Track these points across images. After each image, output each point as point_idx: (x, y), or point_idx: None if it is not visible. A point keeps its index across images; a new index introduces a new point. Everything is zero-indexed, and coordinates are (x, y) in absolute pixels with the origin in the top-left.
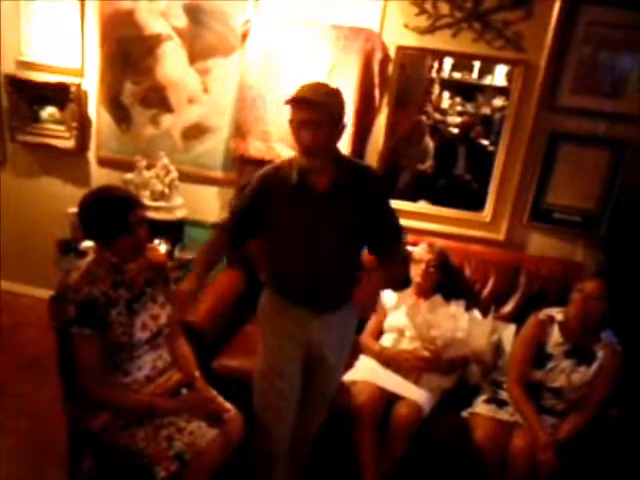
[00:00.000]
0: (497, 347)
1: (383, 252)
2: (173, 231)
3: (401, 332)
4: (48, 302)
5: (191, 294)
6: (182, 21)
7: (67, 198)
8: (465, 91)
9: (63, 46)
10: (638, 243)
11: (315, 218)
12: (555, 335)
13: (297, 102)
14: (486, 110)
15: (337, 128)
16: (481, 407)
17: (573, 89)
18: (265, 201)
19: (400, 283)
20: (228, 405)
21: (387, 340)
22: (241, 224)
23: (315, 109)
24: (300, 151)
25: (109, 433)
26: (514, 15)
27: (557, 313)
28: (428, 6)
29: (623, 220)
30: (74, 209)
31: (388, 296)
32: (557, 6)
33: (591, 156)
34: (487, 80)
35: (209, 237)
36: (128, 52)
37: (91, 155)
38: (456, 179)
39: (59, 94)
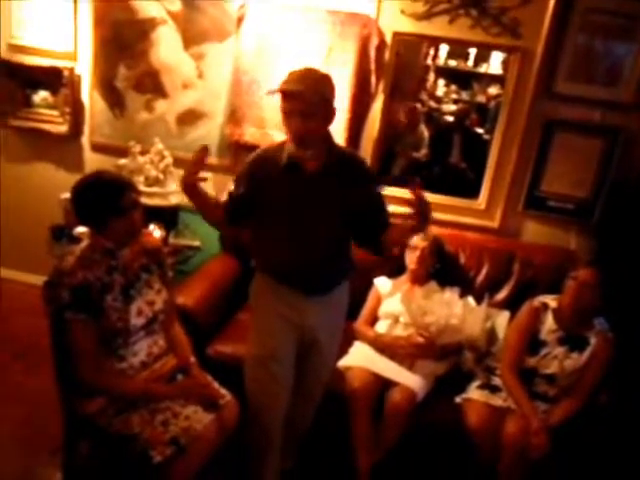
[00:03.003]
0: (491, 334)
1: (370, 241)
2: (168, 217)
3: (396, 318)
4: (42, 287)
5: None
6: (176, 5)
7: (60, 184)
8: (460, 79)
9: (56, 29)
10: (630, 231)
11: (304, 200)
12: (549, 322)
13: (282, 94)
14: (481, 98)
15: (327, 114)
16: (474, 393)
17: (569, 77)
18: (256, 185)
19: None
20: (224, 391)
21: (382, 327)
22: (237, 207)
23: (303, 99)
24: (291, 140)
25: (104, 418)
26: (511, 1)
27: (551, 300)
28: None
29: (616, 208)
30: (67, 194)
31: (383, 283)
32: None
33: (585, 144)
34: (482, 68)
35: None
36: (122, 36)
37: (84, 140)
38: (451, 167)
39: (52, 78)
